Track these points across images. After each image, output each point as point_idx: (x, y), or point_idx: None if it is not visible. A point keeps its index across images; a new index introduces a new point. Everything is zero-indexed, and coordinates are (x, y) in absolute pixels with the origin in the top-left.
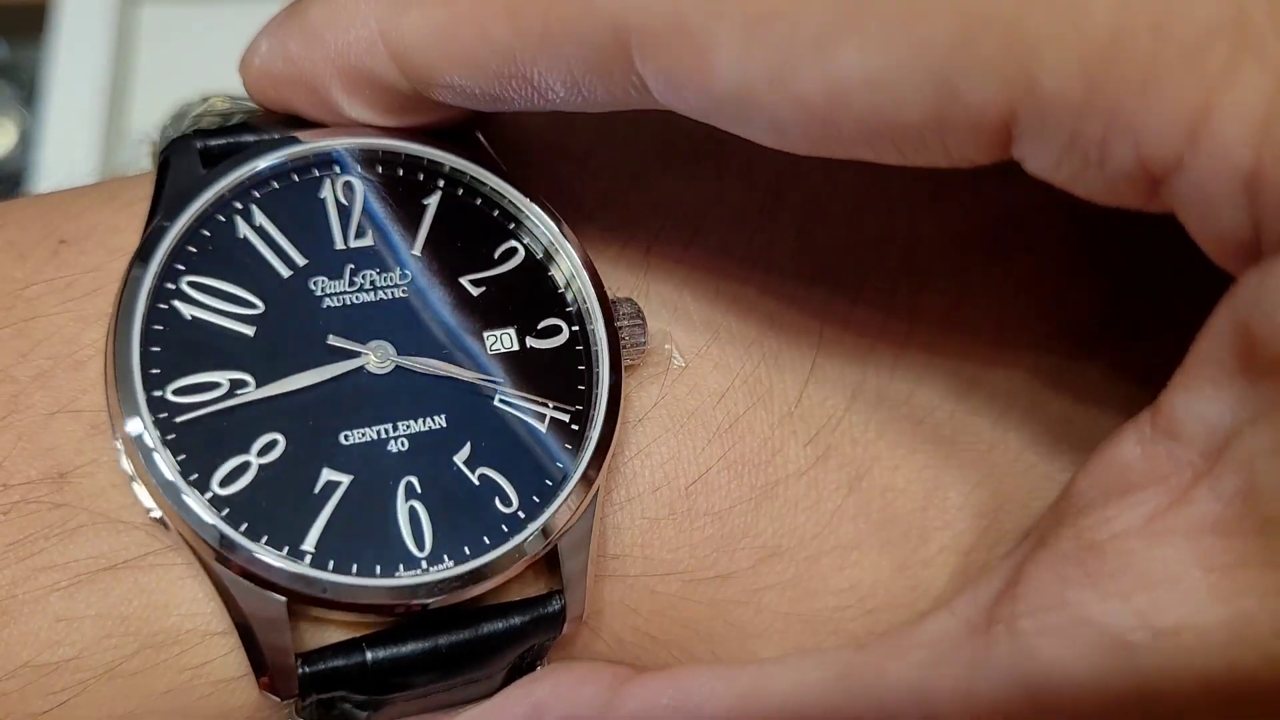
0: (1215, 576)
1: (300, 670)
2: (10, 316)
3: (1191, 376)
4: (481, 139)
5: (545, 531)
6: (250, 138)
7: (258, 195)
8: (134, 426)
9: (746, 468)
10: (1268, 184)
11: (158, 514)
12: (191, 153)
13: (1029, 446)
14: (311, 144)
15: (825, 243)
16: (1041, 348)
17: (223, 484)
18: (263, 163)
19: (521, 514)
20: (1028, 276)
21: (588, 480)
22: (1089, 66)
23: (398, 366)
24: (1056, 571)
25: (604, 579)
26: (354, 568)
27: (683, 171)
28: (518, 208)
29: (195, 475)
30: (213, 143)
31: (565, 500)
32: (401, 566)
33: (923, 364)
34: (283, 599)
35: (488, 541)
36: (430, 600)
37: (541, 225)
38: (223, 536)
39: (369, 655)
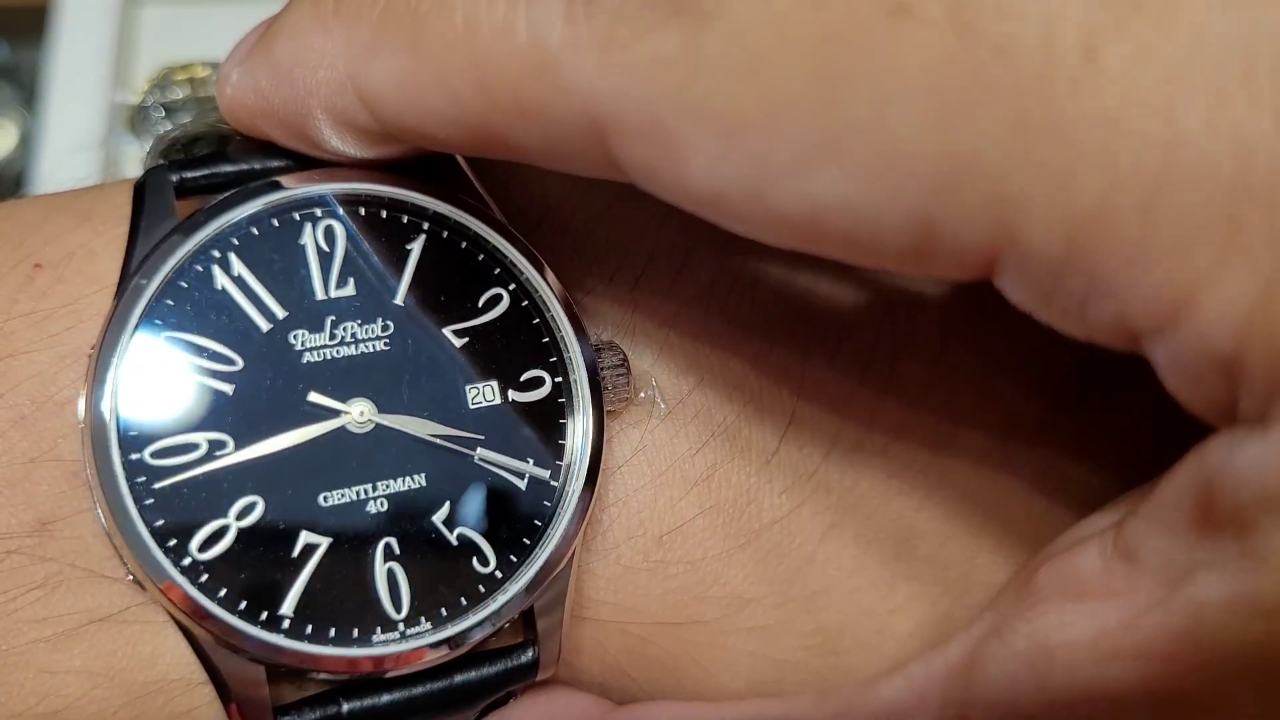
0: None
1: None
2: None
3: (1154, 511)
4: (466, 169)
5: (522, 592)
6: (229, 168)
7: (236, 243)
8: (111, 494)
9: (722, 518)
10: (1247, 369)
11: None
12: (167, 187)
13: (1002, 501)
14: (291, 189)
15: (809, 285)
16: (1019, 404)
17: (201, 548)
18: (242, 210)
19: (499, 574)
20: (1007, 333)
21: (566, 540)
22: (1073, 233)
23: (378, 425)
24: (1008, 671)
25: (576, 619)
26: (331, 633)
27: None
28: (503, 252)
29: (173, 541)
30: (188, 175)
31: (543, 561)
32: (379, 630)
33: (901, 416)
34: (259, 665)
35: (464, 603)
36: (405, 670)
37: (527, 271)
38: (198, 607)
39: (345, 707)
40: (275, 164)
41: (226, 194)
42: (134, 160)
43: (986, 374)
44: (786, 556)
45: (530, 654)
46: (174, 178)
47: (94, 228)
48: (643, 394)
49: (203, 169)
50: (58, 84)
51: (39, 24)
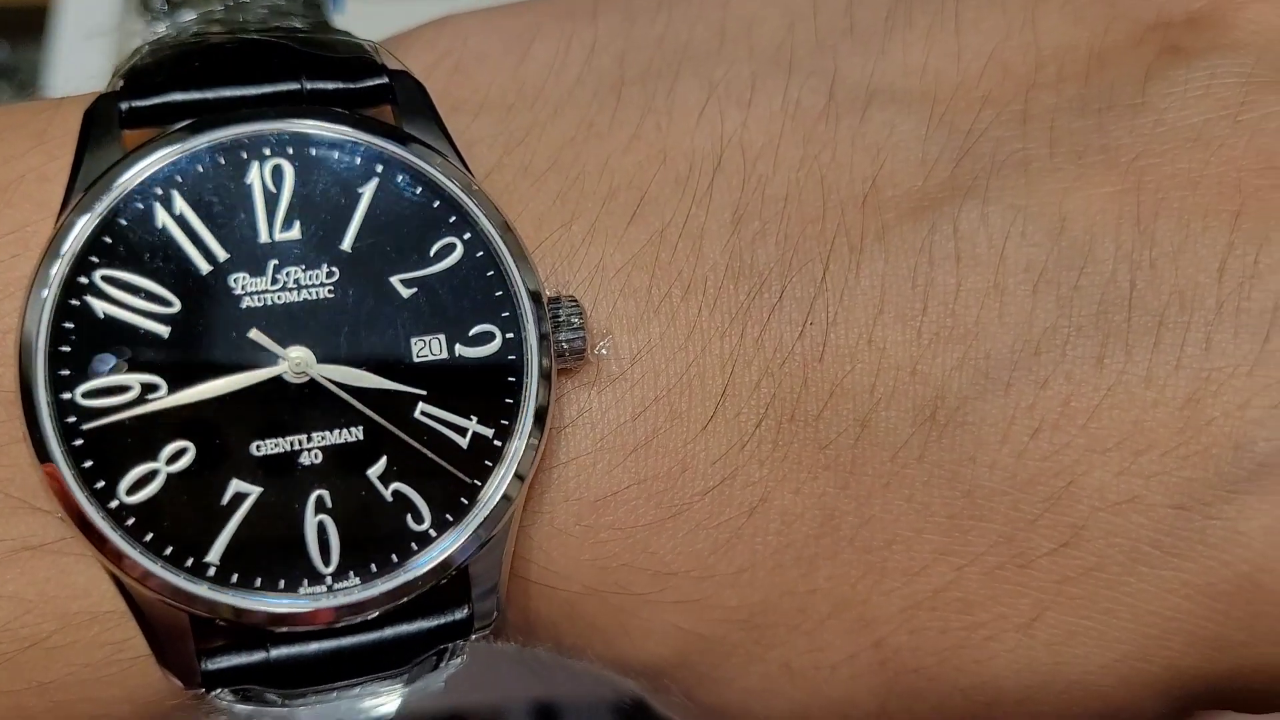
0: None
1: (202, 667)
2: None
3: None
4: (432, 109)
5: (456, 552)
6: (179, 97)
7: (179, 180)
8: (38, 433)
9: (656, 487)
10: None
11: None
12: (113, 117)
13: (923, 487)
14: (241, 126)
15: (757, 228)
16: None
17: (129, 491)
18: (188, 145)
19: (432, 532)
20: None
21: (505, 500)
22: None
23: (316, 375)
24: None
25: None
26: (257, 581)
27: (631, 121)
28: (459, 200)
29: (102, 482)
30: (137, 104)
31: (480, 521)
32: (306, 582)
33: (832, 381)
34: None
35: (395, 559)
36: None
37: (483, 220)
38: (122, 556)
39: (271, 653)
40: (228, 94)
41: (175, 127)
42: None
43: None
44: (715, 530)
45: (465, 611)
46: (122, 106)
47: (47, 150)
48: (598, 351)
49: (153, 97)
50: (58, 84)
51: (39, 24)
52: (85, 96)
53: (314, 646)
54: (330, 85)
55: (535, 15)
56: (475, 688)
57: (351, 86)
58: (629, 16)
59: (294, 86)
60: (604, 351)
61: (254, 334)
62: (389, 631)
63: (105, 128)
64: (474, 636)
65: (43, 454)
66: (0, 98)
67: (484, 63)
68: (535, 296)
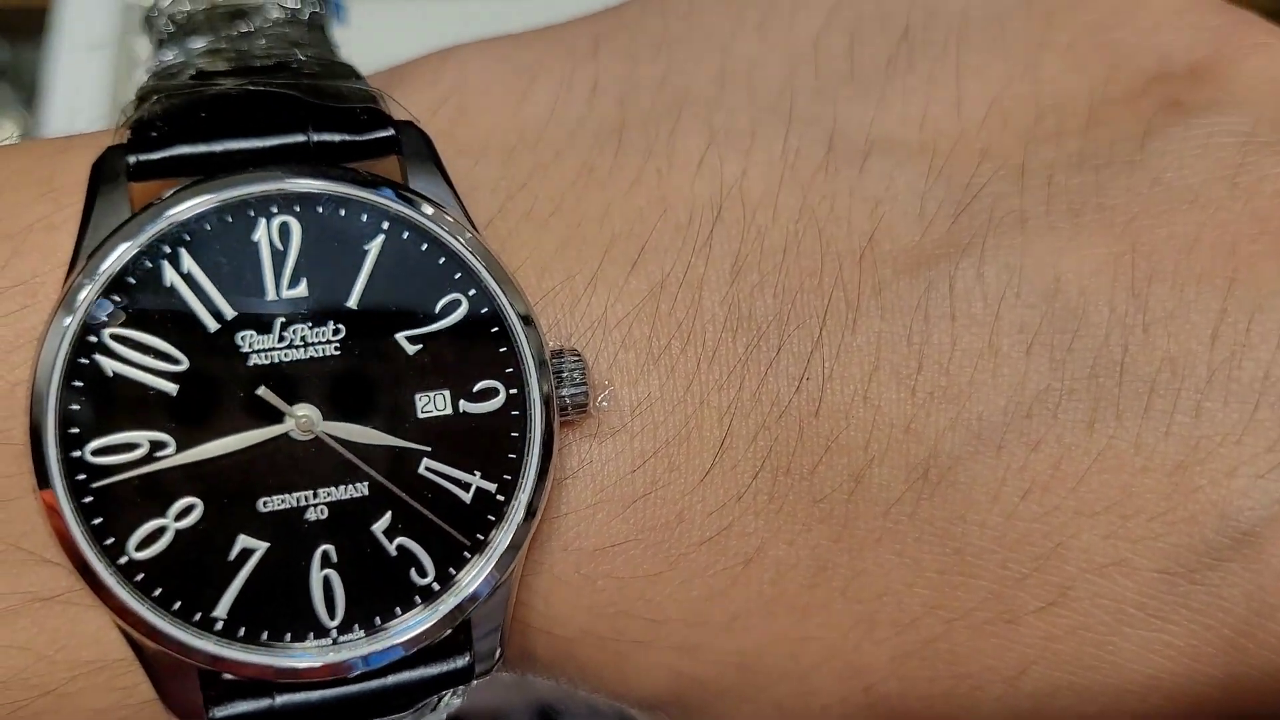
0: None
1: (210, 714)
2: None
3: None
4: (438, 161)
5: (458, 607)
6: (186, 150)
7: (188, 238)
8: (48, 492)
9: (654, 538)
10: None
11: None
12: (121, 173)
13: (914, 543)
14: (249, 184)
15: (756, 280)
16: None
17: (139, 548)
18: (196, 203)
19: (436, 586)
20: None
21: (509, 553)
22: None
23: (322, 432)
24: None
25: None
26: (264, 635)
27: (632, 166)
28: (464, 256)
29: (111, 540)
30: (144, 158)
31: (484, 576)
32: (311, 636)
33: (828, 437)
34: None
35: (399, 612)
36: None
37: (487, 277)
38: (128, 612)
39: (277, 700)
40: (235, 146)
41: (183, 184)
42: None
43: None
44: (711, 579)
45: (466, 659)
46: (130, 160)
47: (55, 199)
48: (599, 403)
49: (160, 150)
50: (58, 84)
51: (39, 24)
52: (91, 140)
53: (319, 695)
54: (336, 137)
55: (536, 51)
56: (476, 690)
57: (357, 139)
58: (630, 57)
59: (300, 139)
60: (605, 404)
61: (262, 391)
62: (391, 680)
63: (113, 181)
64: (474, 682)
65: (52, 511)
66: (0, 97)
67: (486, 103)
68: (539, 353)
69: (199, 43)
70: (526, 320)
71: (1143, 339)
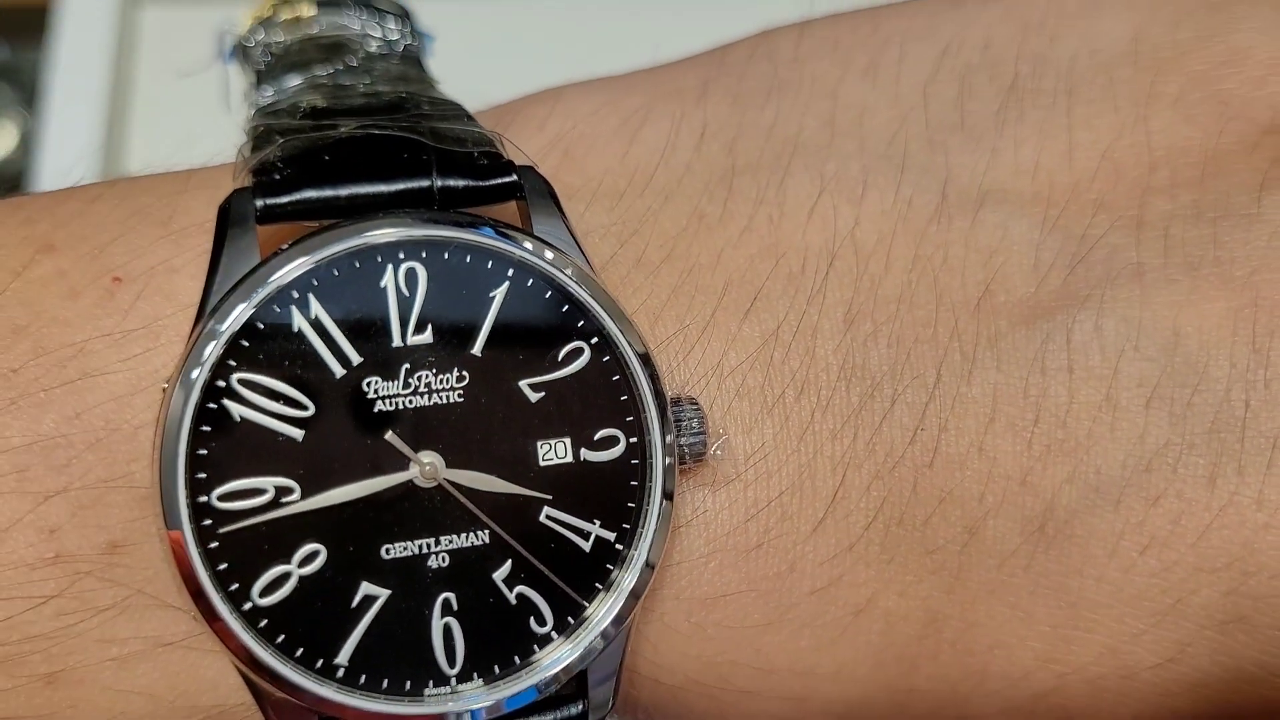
0: None
1: None
2: (64, 374)
3: None
4: (559, 206)
5: (578, 656)
6: (313, 194)
7: (316, 284)
8: (176, 536)
9: (765, 586)
10: None
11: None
12: (249, 217)
13: (1028, 596)
14: (376, 231)
15: (870, 329)
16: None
17: (263, 594)
18: (325, 250)
19: (554, 635)
20: None
21: (626, 606)
22: None
23: (445, 479)
24: None
25: None
26: (384, 683)
27: (743, 213)
28: (587, 304)
29: (236, 585)
30: (271, 202)
31: (602, 626)
32: (431, 684)
33: (942, 488)
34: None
35: (517, 661)
36: None
37: (609, 325)
38: (253, 658)
39: None
40: (361, 191)
41: (310, 232)
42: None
43: None
44: (820, 629)
45: (580, 708)
46: (258, 203)
47: (175, 241)
48: (714, 451)
49: (286, 195)
50: (58, 84)
51: (39, 24)
52: (210, 177)
53: None
54: (460, 182)
55: (643, 95)
56: None
57: (480, 184)
58: (738, 102)
59: (424, 184)
60: (719, 452)
61: (390, 437)
62: None
63: (241, 225)
64: None
65: (180, 557)
66: (0, 98)
67: (594, 147)
68: (660, 401)
69: (297, 79)
70: (648, 369)
71: (1265, 394)
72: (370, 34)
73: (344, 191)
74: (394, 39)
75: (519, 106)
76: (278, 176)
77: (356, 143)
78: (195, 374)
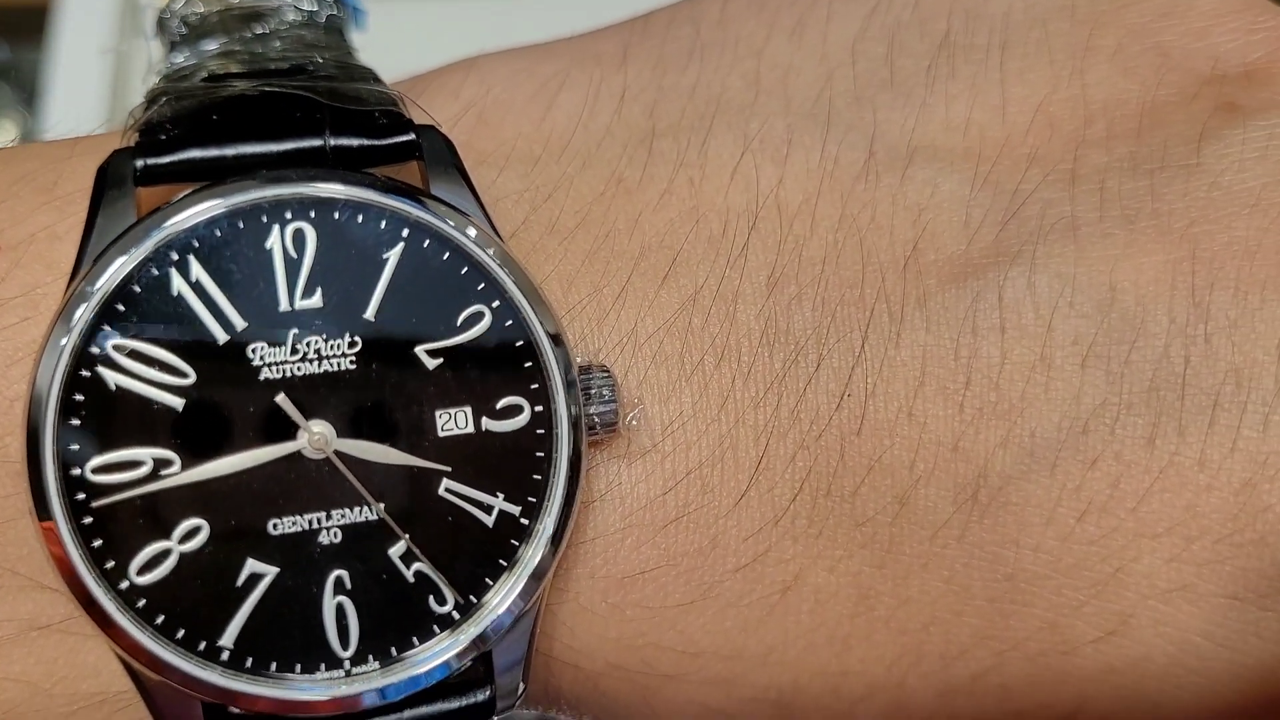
0: None
1: None
2: None
3: None
4: (461, 167)
5: (480, 638)
6: (197, 154)
7: (196, 245)
8: (44, 512)
9: (686, 564)
10: None
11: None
12: (128, 177)
13: (963, 569)
14: (261, 189)
15: (794, 292)
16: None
17: (140, 572)
18: (205, 209)
19: (455, 615)
20: None
21: (534, 580)
22: None
23: (336, 451)
24: None
25: None
26: (272, 666)
27: (663, 176)
28: (488, 266)
29: (111, 563)
30: (153, 161)
31: (506, 604)
32: (324, 666)
33: (870, 456)
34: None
35: (415, 642)
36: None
37: (512, 288)
38: (129, 640)
39: None
40: (248, 151)
41: (190, 190)
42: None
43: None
44: (746, 608)
45: (487, 693)
46: (138, 164)
47: (58, 207)
48: (628, 422)
49: (169, 155)
50: (58, 84)
51: (39, 24)
52: (97, 143)
53: None
54: (354, 141)
55: (561, 60)
56: None
57: (377, 143)
58: (659, 65)
59: (316, 143)
60: (634, 423)
61: (281, 400)
62: (408, 714)
63: (119, 187)
64: (495, 718)
65: (49, 533)
66: (0, 97)
67: (509, 113)
68: (566, 369)
69: (212, 45)
70: (553, 335)
71: (1205, 349)
72: (293, 3)
73: (230, 151)
74: (314, 9)
75: (434, 75)
76: (163, 136)
77: (247, 101)
78: (64, 340)
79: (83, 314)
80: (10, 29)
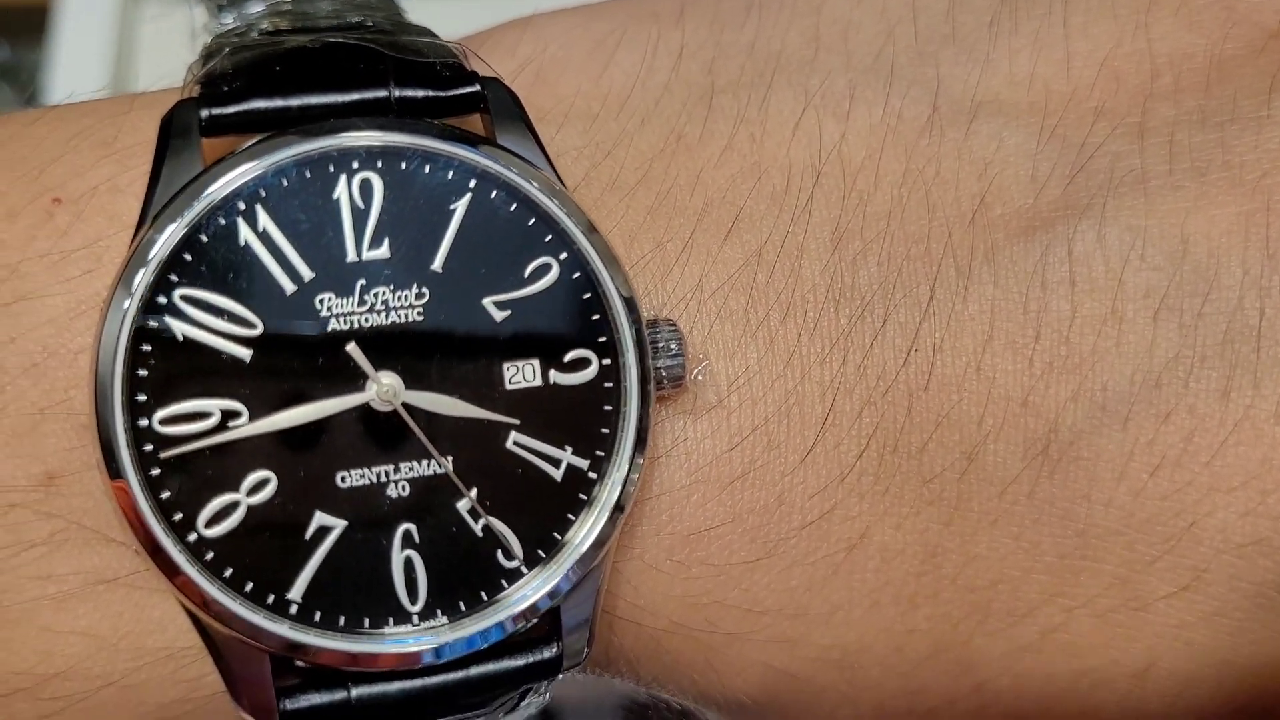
0: None
1: (281, 706)
2: None
3: None
4: (526, 119)
5: (550, 593)
6: (262, 105)
7: (264, 194)
8: (113, 462)
9: (751, 522)
10: None
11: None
12: (193, 127)
13: (1032, 525)
14: (328, 138)
15: (859, 247)
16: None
17: (209, 524)
18: (273, 158)
19: (524, 570)
20: None
21: (601, 538)
22: None
23: (405, 403)
24: None
25: None
26: (341, 620)
27: (723, 132)
28: (556, 217)
29: (180, 515)
30: (217, 112)
31: (574, 559)
32: (391, 620)
33: (938, 412)
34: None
35: (485, 597)
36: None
37: (580, 239)
38: (201, 593)
39: (353, 693)
40: (313, 101)
41: (257, 139)
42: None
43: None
44: (811, 566)
45: (554, 650)
46: (202, 114)
47: (119, 160)
48: (694, 377)
49: (234, 105)
50: (58, 84)
51: (39, 24)
52: (156, 98)
53: (396, 686)
54: (419, 93)
55: (618, 18)
56: None
57: (442, 95)
58: (716, 21)
59: (381, 94)
60: (700, 378)
61: (351, 348)
62: (475, 671)
63: (184, 137)
64: (560, 676)
65: (118, 484)
66: (0, 97)
67: (567, 70)
68: (634, 321)
69: (258, 6)
70: (622, 287)
71: None
72: None
73: (295, 102)
74: None
75: (489, 33)
76: (225, 88)
77: (310, 53)
78: (132, 290)
79: (150, 264)
80: (10, 29)
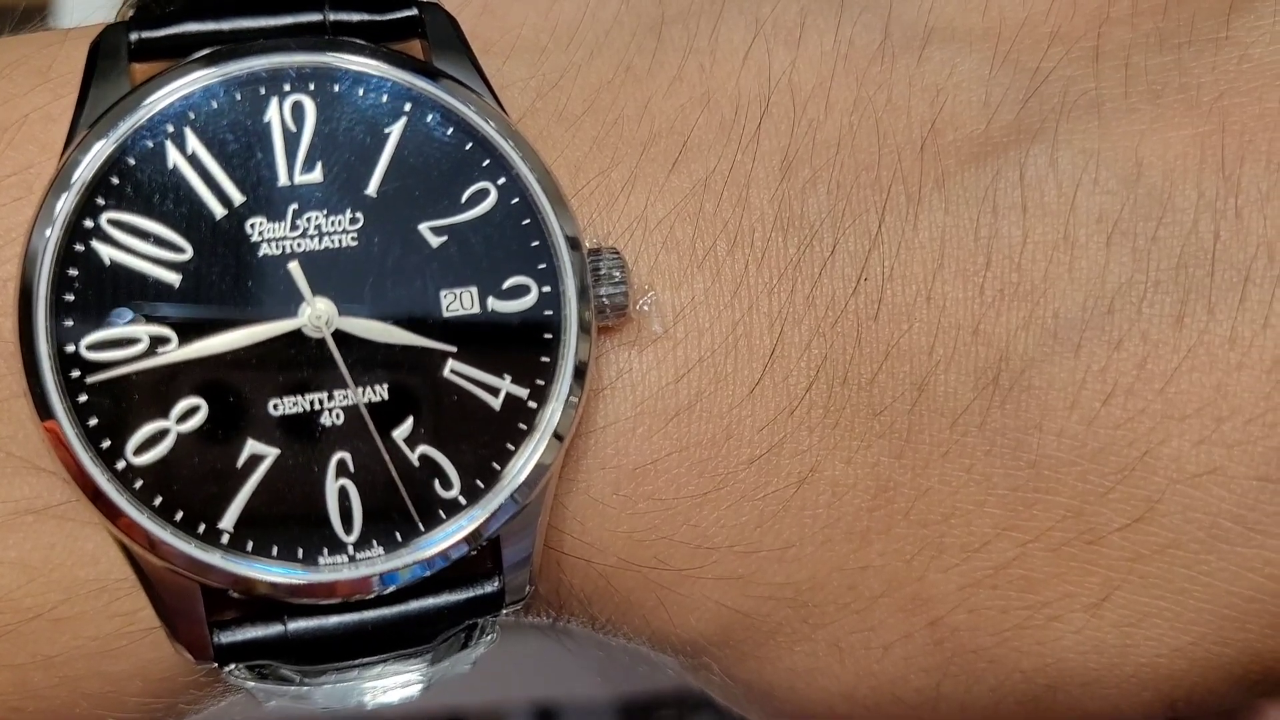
0: None
1: (215, 640)
2: None
3: None
4: (466, 45)
5: (486, 523)
6: (194, 28)
7: (193, 116)
8: (39, 388)
9: (699, 455)
10: None
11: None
12: (121, 49)
13: (984, 457)
14: (259, 58)
15: (808, 175)
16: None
17: (137, 452)
18: (201, 79)
19: (462, 499)
20: None
21: (540, 467)
22: None
23: (338, 329)
24: None
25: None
26: (274, 550)
27: (672, 63)
28: (493, 141)
29: (108, 442)
30: (147, 35)
31: (513, 489)
32: (326, 551)
33: (888, 342)
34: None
35: (421, 528)
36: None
37: (519, 164)
38: (129, 521)
39: (289, 626)
40: (246, 24)
41: (184, 62)
42: None
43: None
44: (761, 501)
45: (495, 584)
46: (131, 37)
47: (53, 88)
48: (639, 307)
49: (165, 28)
50: None
51: (39, 24)
52: (93, 28)
53: (334, 620)
54: (355, 16)
55: None
56: (475, 688)
57: (378, 18)
58: None
59: (316, 17)
60: (645, 308)
61: (292, 267)
62: (414, 605)
63: (112, 60)
64: (505, 612)
65: (44, 411)
66: None
67: (515, 2)
68: (575, 247)
69: None
70: (561, 212)
71: (1235, 224)
72: None
73: (227, 25)
74: None
75: None
76: (157, 11)
77: None
78: (56, 212)
79: (74, 186)
80: (9, 29)
